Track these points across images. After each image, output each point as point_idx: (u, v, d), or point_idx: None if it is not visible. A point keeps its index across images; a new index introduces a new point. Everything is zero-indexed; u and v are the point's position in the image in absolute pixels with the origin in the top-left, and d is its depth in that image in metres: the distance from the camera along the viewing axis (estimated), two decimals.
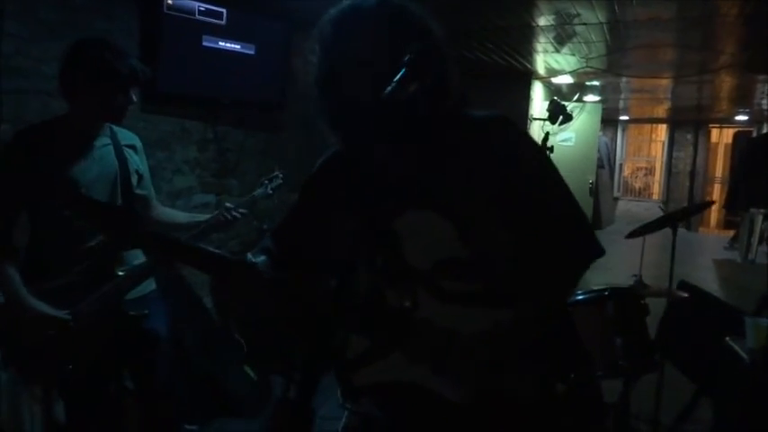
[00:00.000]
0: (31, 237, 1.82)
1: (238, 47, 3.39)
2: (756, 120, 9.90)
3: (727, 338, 1.94)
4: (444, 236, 1.08)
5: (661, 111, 10.19)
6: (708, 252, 8.59)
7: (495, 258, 1.09)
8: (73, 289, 1.78)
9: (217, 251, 1.09)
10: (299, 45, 4.14)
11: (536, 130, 6.32)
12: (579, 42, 4.98)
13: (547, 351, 1.14)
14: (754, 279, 5.86)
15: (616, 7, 3.81)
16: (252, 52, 3.45)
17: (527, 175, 1.10)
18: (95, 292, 1.80)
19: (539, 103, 6.44)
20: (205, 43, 3.21)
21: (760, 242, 7.59)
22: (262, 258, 1.23)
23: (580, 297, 2.37)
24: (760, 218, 7.45)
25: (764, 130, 9.65)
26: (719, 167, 11.71)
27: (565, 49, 5.21)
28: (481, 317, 1.06)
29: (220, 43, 3.28)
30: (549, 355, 1.14)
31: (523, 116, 6.11)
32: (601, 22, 4.25)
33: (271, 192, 2.23)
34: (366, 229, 1.13)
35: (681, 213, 2.93)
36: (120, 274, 1.85)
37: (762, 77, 6.14)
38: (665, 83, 6.70)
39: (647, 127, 12.44)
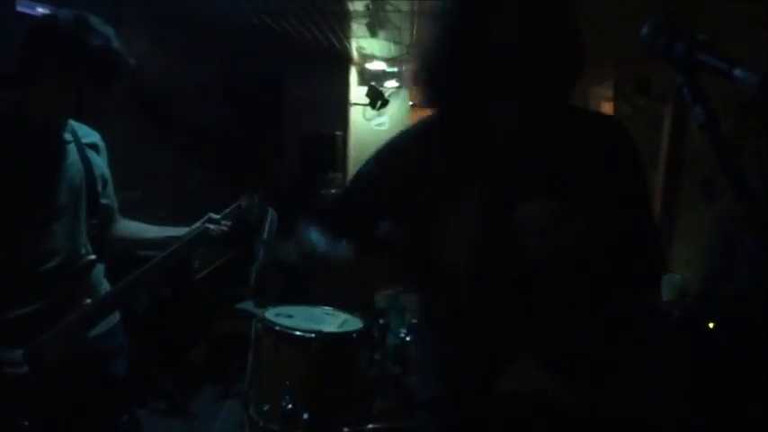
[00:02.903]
0: None
1: None
2: None
3: None
4: (572, 234, 1.00)
5: None
6: None
7: (610, 263, 1.04)
8: (28, 322, 1.41)
9: None
10: (130, 15, 3.65)
11: (354, 115, 6.42)
12: (392, 29, 5.18)
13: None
14: None
15: None
16: None
17: (639, 187, 1.09)
18: (57, 326, 1.44)
19: (354, 89, 6.54)
20: (19, 8, 2.64)
21: None
22: (315, 234, 1.11)
23: None
24: None
25: None
26: None
27: (379, 35, 5.36)
28: (591, 321, 1.03)
29: (38, 9, 2.67)
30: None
31: (344, 101, 6.15)
32: (412, 11, 4.47)
33: (256, 200, 1.91)
34: (478, 212, 1.00)
35: None
36: (88, 302, 1.48)
37: None
38: None
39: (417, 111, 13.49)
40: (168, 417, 3.00)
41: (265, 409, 2.24)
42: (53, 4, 2.76)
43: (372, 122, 6.41)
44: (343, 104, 6.15)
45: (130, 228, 1.80)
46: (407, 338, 2.09)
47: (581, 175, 1.02)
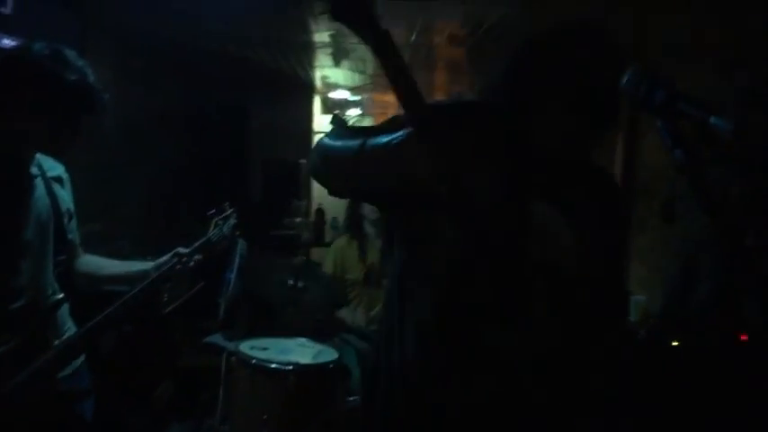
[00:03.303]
0: None
1: None
2: None
3: None
4: (569, 244, 1.08)
5: None
6: None
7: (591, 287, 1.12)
8: None
9: None
10: (95, 43, 3.61)
11: None
12: (355, 59, 5.28)
13: None
14: None
15: None
16: None
17: (622, 233, 1.23)
18: (27, 369, 1.39)
19: (317, 117, 6.58)
20: None
21: None
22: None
23: None
24: None
25: None
26: None
27: (343, 64, 5.45)
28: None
29: (4, 41, 2.62)
30: None
31: (308, 129, 6.19)
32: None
33: (226, 232, 1.86)
34: (498, 197, 1.06)
35: None
36: (57, 343, 1.45)
37: None
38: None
39: None
40: None
41: None
42: (18, 34, 2.74)
43: None
44: (306, 133, 6.19)
45: (93, 263, 1.75)
46: None
47: (581, 206, 1.12)
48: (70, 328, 1.60)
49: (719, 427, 1.95)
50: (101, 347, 1.71)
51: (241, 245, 3.12)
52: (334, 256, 2.89)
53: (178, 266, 1.68)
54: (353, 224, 2.98)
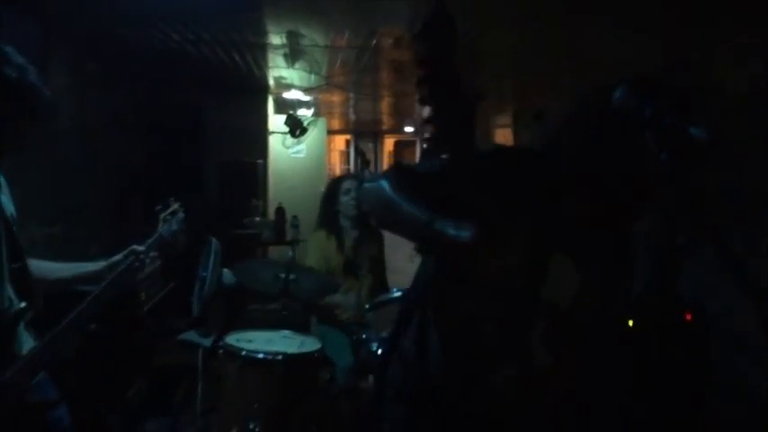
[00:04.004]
0: None
1: None
2: (418, 131, 11.94)
3: None
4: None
5: (340, 123, 11.47)
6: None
7: None
8: None
9: None
10: (58, 49, 3.55)
11: (273, 144, 6.50)
12: (310, 60, 5.39)
13: None
14: None
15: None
16: None
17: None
18: None
19: (270, 117, 6.63)
20: None
21: None
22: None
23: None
24: None
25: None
26: None
27: (297, 66, 5.54)
28: None
29: None
30: None
31: (262, 130, 6.23)
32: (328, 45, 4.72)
33: (175, 227, 1.86)
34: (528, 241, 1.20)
35: None
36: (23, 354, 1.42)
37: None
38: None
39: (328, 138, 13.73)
40: None
41: None
42: None
43: (290, 150, 6.54)
44: (262, 133, 6.23)
45: (41, 268, 1.67)
46: (378, 351, 2.26)
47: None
48: (28, 339, 1.53)
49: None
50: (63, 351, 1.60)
51: (215, 244, 3.20)
52: (315, 250, 3.01)
53: (136, 264, 1.68)
54: (329, 219, 3.11)
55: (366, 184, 1.36)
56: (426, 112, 1.11)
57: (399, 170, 1.31)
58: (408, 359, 1.26)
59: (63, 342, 1.52)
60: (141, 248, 1.72)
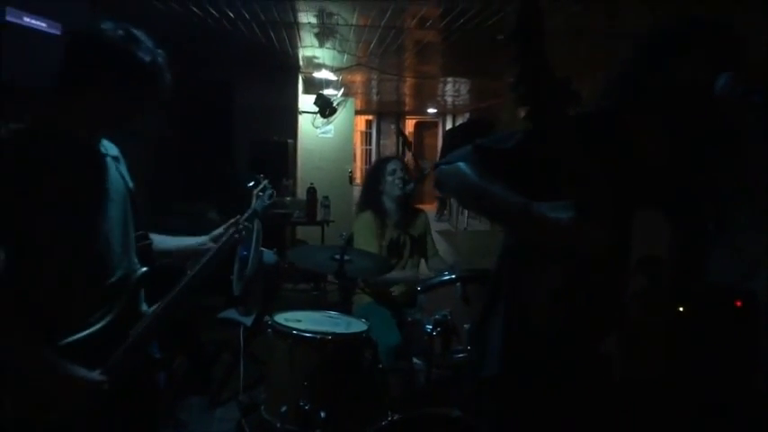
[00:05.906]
0: (24, 281, 1.36)
1: (44, 25, 2.73)
2: (441, 112, 11.89)
3: None
4: None
5: (362, 104, 11.45)
6: None
7: None
8: (96, 340, 1.39)
9: None
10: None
11: (302, 124, 6.50)
12: (341, 40, 5.35)
13: None
14: (479, 243, 7.12)
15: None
16: (58, 32, 2.81)
17: None
18: (125, 342, 1.45)
19: (300, 97, 6.61)
20: (9, 18, 2.55)
21: (462, 212, 9.30)
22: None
23: None
24: None
25: (448, 121, 11.67)
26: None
27: (328, 45, 5.51)
28: None
29: (25, 19, 2.61)
30: None
31: (292, 109, 6.22)
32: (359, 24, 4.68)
33: (268, 202, 2.03)
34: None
35: None
36: (148, 310, 1.50)
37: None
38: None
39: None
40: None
41: (282, 410, 2.33)
42: (30, 11, 2.71)
43: (319, 131, 6.53)
44: (292, 112, 6.22)
45: (154, 239, 1.77)
46: (434, 333, 2.28)
47: None
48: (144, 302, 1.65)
49: None
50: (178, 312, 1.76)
51: (257, 223, 3.21)
52: (364, 231, 3.02)
53: (236, 236, 1.81)
54: (374, 200, 3.10)
55: (443, 167, 1.34)
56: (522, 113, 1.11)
57: (481, 151, 1.29)
58: (504, 335, 1.27)
59: (179, 303, 1.62)
60: (242, 220, 1.85)
